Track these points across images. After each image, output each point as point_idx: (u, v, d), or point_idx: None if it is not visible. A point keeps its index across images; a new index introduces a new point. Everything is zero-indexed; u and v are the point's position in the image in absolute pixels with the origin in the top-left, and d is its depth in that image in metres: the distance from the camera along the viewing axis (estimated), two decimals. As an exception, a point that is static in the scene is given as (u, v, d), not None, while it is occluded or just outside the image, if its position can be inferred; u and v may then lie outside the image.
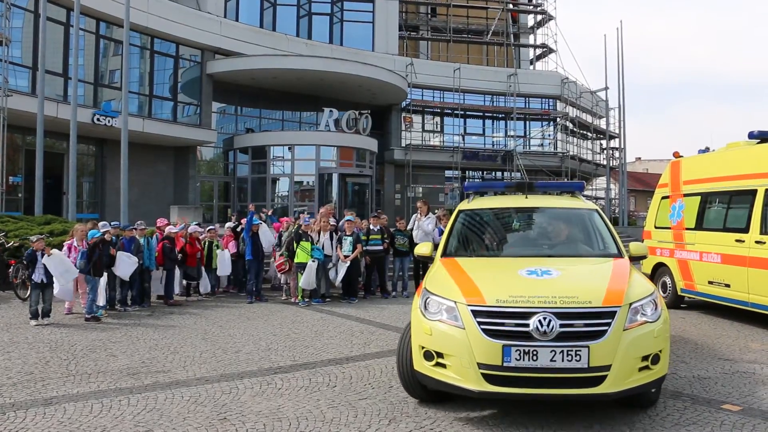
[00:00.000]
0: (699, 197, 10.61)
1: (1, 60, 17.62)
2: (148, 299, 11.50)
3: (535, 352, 4.67)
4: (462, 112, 33.18)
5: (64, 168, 20.65)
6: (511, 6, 36.89)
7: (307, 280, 11.58)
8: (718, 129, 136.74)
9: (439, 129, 34.33)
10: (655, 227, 11.85)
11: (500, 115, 34.74)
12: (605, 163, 34.74)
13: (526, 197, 7.20)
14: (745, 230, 9.31)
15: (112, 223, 11.32)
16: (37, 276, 9.52)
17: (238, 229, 13.26)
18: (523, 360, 4.67)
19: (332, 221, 12.86)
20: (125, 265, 10.61)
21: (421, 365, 5.17)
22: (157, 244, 11.65)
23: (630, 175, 38.35)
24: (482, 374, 4.74)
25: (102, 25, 22.61)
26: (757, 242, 9.05)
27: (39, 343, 8.08)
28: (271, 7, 28.58)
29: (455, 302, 5.06)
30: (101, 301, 10.40)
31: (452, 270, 5.86)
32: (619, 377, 4.71)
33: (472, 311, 4.91)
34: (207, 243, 12.81)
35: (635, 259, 6.18)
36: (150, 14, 22.64)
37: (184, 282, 12.48)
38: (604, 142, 36.96)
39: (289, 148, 25.88)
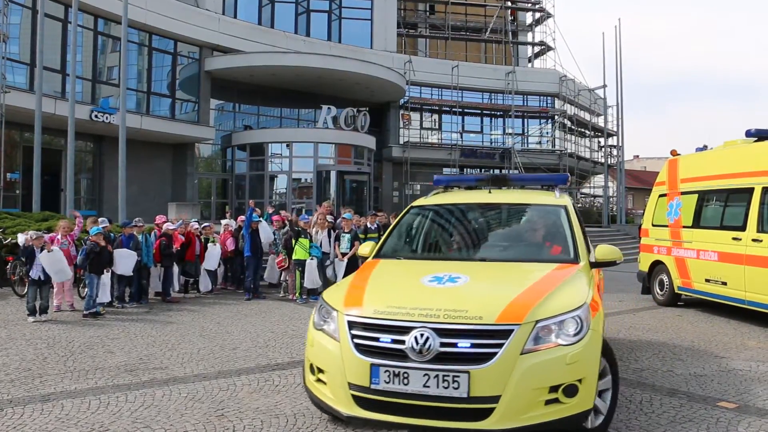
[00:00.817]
0: (696, 195, 10.64)
1: (0, 56, 17.59)
2: (146, 296, 11.50)
3: (406, 375, 3.96)
4: (460, 110, 33.20)
5: (62, 165, 20.64)
6: (509, 3, 36.88)
7: (310, 279, 11.60)
8: (716, 127, 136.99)
9: (437, 126, 34.36)
10: (653, 225, 11.88)
11: (498, 113, 34.77)
12: (603, 161, 34.76)
13: (490, 192, 6.45)
14: (742, 228, 9.33)
15: (100, 220, 11.32)
16: (35, 273, 9.52)
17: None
18: (393, 383, 3.99)
19: (329, 218, 12.85)
20: (124, 261, 10.61)
21: (308, 380, 4.64)
22: (155, 241, 11.65)
23: (628, 173, 38.41)
24: (352, 396, 4.13)
25: (100, 22, 22.60)
26: (753, 240, 9.08)
27: (37, 339, 8.08)
28: (269, 4, 28.56)
29: (336, 311, 4.44)
30: (106, 297, 10.42)
31: (361, 273, 5.34)
32: (511, 411, 3.90)
33: (348, 322, 4.26)
34: (203, 240, 12.80)
35: (601, 265, 5.32)
36: (148, 11, 22.62)
37: (182, 279, 12.48)
38: (602, 139, 36.98)
39: (288, 146, 25.90)
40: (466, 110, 33.92)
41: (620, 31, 29.86)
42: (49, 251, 9.56)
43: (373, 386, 4.02)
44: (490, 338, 3.98)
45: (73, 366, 6.72)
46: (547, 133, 36.27)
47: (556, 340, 4.06)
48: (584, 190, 40.87)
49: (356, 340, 4.17)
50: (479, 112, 34.83)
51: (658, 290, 11.51)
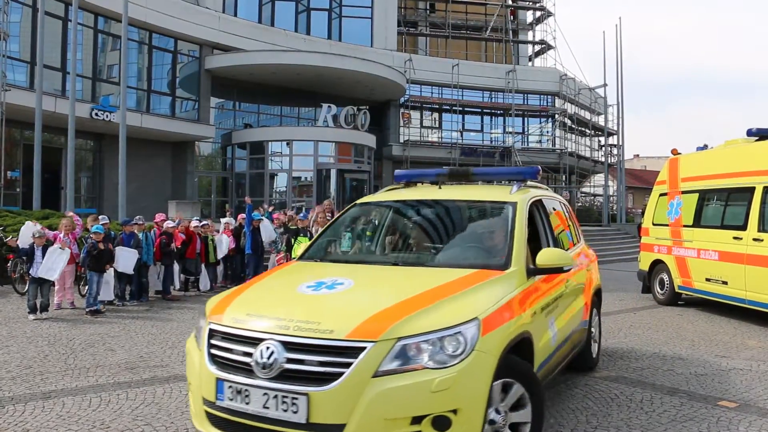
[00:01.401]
0: (697, 194, 10.64)
1: (0, 54, 17.58)
2: (146, 294, 11.51)
3: (247, 393, 3.53)
4: (460, 108, 33.19)
5: (62, 163, 20.63)
6: (510, 2, 36.85)
7: None
8: (717, 126, 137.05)
9: (437, 125, 34.35)
10: (653, 224, 11.88)
11: (499, 112, 34.77)
12: (603, 160, 34.75)
13: (440, 188, 5.82)
14: (743, 228, 9.33)
15: (100, 217, 11.34)
16: (35, 270, 9.53)
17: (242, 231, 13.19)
18: (236, 401, 3.58)
19: (329, 216, 12.84)
20: (125, 258, 10.62)
21: (189, 392, 4.26)
22: (155, 239, 11.65)
23: (628, 172, 38.45)
24: (205, 411, 3.78)
25: (100, 20, 22.58)
26: (754, 240, 9.08)
27: (37, 337, 8.09)
28: (269, 2, 28.54)
29: (204, 318, 4.09)
30: (109, 295, 10.44)
31: (259, 276, 5.08)
32: None
33: (210, 330, 3.89)
34: (203, 238, 12.81)
35: (543, 272, 4.64)
36: (148, 9, 22.60)
37: (183, 277, 12.48)
38: (602, 138, 36.97)
39: (288, 144, 25.90)
40: (466, 109, 33.91)
41: (621, 29, 29.85)
42: (63, 248, 9.63)
43: (218, 402, 3.65)
44: (340, 356, 3.41)
45: (74, 363, 6.73)
46: (548, 131, 36.26)
47: (425, 362, 3.42)
48: (584, 189, 40.86)
49: (212, 351, 3.79)
50: (479, 110, 34.82)
51: (659, 289, 11.51)
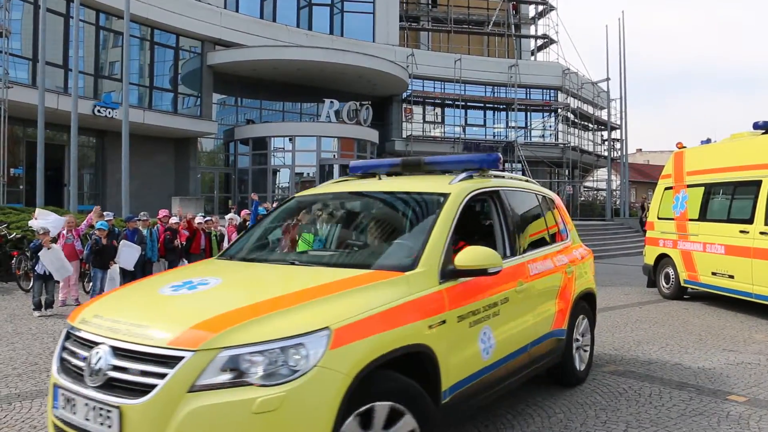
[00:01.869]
0: (703, 188, 10.59)
1: (2, 52, 17.57)
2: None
3: (74, 402, 3.16)
4: (463, 103, 33.13)
5: (65, 160, 20.62)
6: (512, -4, 36.76)
7: None
8: (720, 120, 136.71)
9: (439, 120, 34.28)
10: (658, 218, 11.83)
11: (501, 106, 34.69)
12: (606, 154, 34.67)
13: (379, 179, 5.42)
14: (750, 221, 9.29)
15: (105, 213, 11.34)
16: (40, 267, 9.51)
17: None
18: (66, 409, 3.21)
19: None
20: (126, 254, 10.60)
21: None
22: (159, 236, 11.64)
23: (631, 166, 38.36)
24: (53, 417, 3.42)
25: (102, 17, 22.54)
26: (761, 233, 9.03)
27: (43, 334, 8.07)
28: (271, -3, 28.50)
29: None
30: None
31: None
32: None
33: (66, 332, 3.57)
34: (207, 234, 12.78)
35: (463, 275, 4.01)
36: (150, 5, 22.55)
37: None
38: (605, 133, 36.88)
39: (290, 140, 25.87)
40: (468, 103, 33.84)
41: (623, 23, 29.75)
42: (48, 248, 9.53)
43: (53, 410, 3.32)
44: (159, 365, 2.97)
45: (79, 361, 6.70)
46: (551, 126, 36.19)
47: (256, 378, 2.89)
48: (587, 184, 40.80)
49: (63, 354, 3.46)
50: (482, 105, 34.75)
51: (664, 283, 11.47)
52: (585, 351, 6.05)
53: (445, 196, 4.47)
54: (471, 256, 3.99)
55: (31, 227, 12.23)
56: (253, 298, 3.44)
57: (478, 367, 4.11)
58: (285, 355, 2.94)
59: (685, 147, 11.56)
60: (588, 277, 6.24)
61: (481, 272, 4.02)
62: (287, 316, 3.17)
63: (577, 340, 5.83)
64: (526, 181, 5.97)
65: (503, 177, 5.49)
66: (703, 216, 10.50)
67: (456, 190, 4.56)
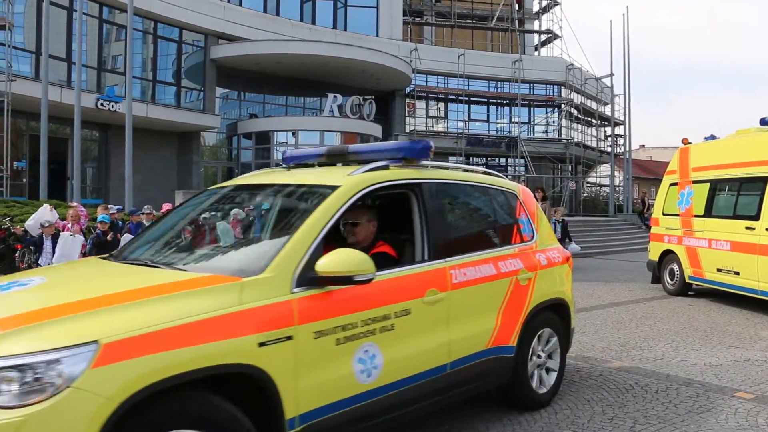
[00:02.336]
0: (708, 184, 10.53)
1: (5, 45, 17.53)
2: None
3: None
4: (466, 98, 33.04)
5: (68, 153, 20.59)
6: (516, -9, 36.62)
7: None
8: (723, 117, 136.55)
9: (443, 115, 34.20)
10: (663, 214, 11.79)
11: (504, 101, 34.60)
12: (610, 150, 34.59)
13: (289, 169, 4.99)
14: (756, 218, 9.25)
15: (110, 206, 11.35)
16: (44, 260, 9.51)
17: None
18: None
19: None
20: None
21: None
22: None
23: (634, 162, 38.20)
24: None
25: (105, 10, 22.49)
26: (767, 230, 9.00)
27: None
28: (274, -9, 28.42)
29: None
30: None
31: None
32: None
33: None
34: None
35: (324, 283, 3.45)
36: (153, -2, 22.52)
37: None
38: (608, 129, 36.79)
39: (293, 134, 25.84)
40: (472, 99, 33.74)
41: (628, 19, 29.65)
42: (74, 235, 9.58)
43: None
44: None
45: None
46: (554, 122, 36.10)
47: (6, 397, 2.49)
48: (590, 180, 40.71)
49: None
50: (485, 100, 34.65)
51: (669, 280, 11.42)
52: (551, 371, 5.24)
53: (333, 189, 3.89)
54: (335, 260, 3.43)
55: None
56: (41, 304, 3.07)
57: (353, 391, 3.54)
58: (41, 371, 2.53)
59: (690, 143, 11.50)
60: (558, 284, 5.38)
61: (346, 280, 3.44)
62: (59, 325, 2.77)
63: (539, 357, 5.07)
64: (484, 173, 5.35)
65: (436, 168, 4.73)
66: (708, 212, 10.45)
67: (348, 183, 3.96)
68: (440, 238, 4.36)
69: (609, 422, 4.76)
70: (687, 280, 10.90)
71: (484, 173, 5.34)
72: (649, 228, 25.90)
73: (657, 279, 11.88)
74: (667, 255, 11.46)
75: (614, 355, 6.88)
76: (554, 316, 5.30)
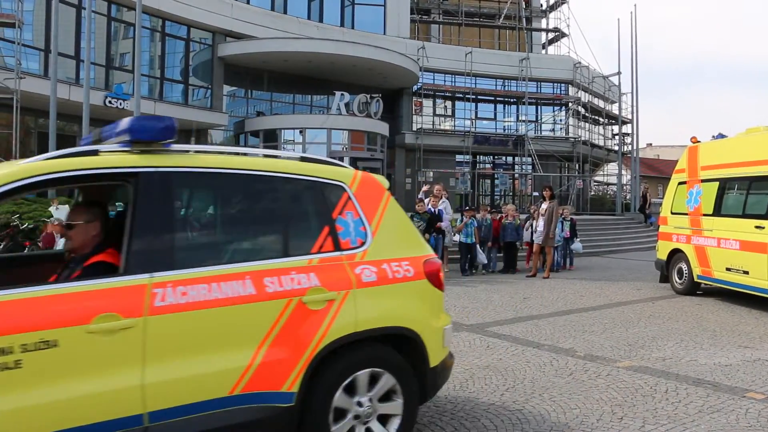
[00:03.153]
0: (717, 183, 10.48)
1: (14, 42, 17.60)
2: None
3: None
4: (473, 97, 32.97)
5: (76, 150, 20.64)
6: (523, -11, 36.53)
7: None
8: (732, 115, 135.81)
9: (450, 113, 34.15)
10: (672, 213, 11.74)
11: (512, 100, 34.52)
12: (617, 148, 34.48)
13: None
14: (765, 217, 9.21)
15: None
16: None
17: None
18: None
19: None
20: None
21: None
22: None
23: (641, 161, 38.08)
24: None
25: (113, 8, 22.56)
26: (777, 229, 8.96)
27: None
28: (282, -11, 28.42)
29: None
30: None
31: None
32: None
33: None
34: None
35: None
36: (161, -4, 22.56)
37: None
38: (616, 127, 36.66)
39: (300, 132, 25.84)
40: (479, 97, 33.67)
41: (636, 17, 29.52)
42: None
43: None
44: None
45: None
46: (561, 120, 36.00)
47: None
48: (598, 178, 40.59)
49: None
50: (493, 98, 34.57)
51: (677, 279, 11.38)
52: (393, 417, 3.93)
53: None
54: None
55: (42, 219, 12.41)
56: None
57: None
58: None
59: (699, 141, 11.45)
60: (399, 308, 4.03)
61: None
62: None
63: (359, 406, 3.76)
64: (302, 159, 4.10)
65: (190, 153, 3.69)
66: (717, 211, 10.40)
67: (11, 170, 3.16)
68: (148, 245, 3.33)
69: (618, 422, 4.74)
70: (696, 280, 10.86)
71: (302, 159, 4.08)
72: (651, 224, 26.08)
73: (665, 278, 11.84)
74: (676, 254, 11.42)
75: (623, 354, 6.86)
76: (392, 352, 3.97)
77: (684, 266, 11.15)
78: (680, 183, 11.59)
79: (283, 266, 3.64)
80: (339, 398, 3.68)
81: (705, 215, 10.66)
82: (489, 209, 15.59)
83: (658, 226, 12.52)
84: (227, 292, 3.38)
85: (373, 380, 3.81)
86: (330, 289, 3.71)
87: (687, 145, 11.71)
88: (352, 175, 4.19)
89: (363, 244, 3.98)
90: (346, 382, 3.71)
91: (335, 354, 3.67)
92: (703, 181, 10.88)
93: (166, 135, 3.48)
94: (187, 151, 3.69)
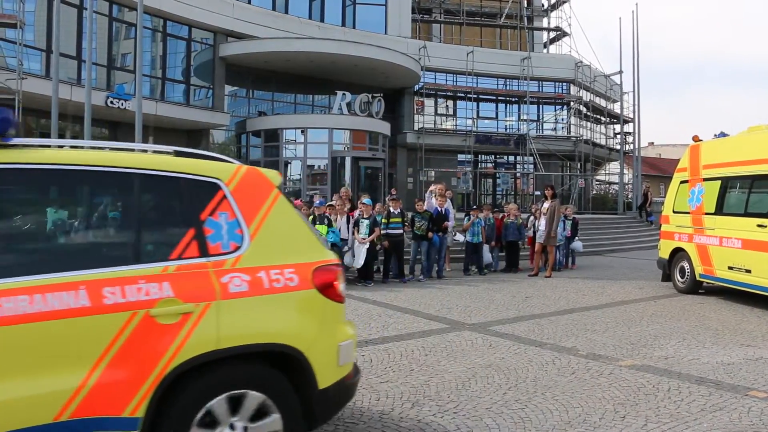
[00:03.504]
0: (719, 182, 10.47)
1: (16, 43, 17.61)
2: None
3: None
4: (475, 96, 32.94)
5: (78, 151, 20.66)
6: (524, -12, 36.50)
7: None
8: (733, 114, 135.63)
9: (451, 113, 34.13)
10: (674, 212, 11.73)
11: (513, 99, 34.48)
12: (619, 147, 34.44)
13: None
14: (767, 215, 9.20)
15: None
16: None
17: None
18: None
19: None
20: None
21: None
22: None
23: (642, 160, 38.05)
24: None
25: (115, 8, 22.57)
26: (779, 227, 8.95)
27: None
28: (283, -11, 28.40)
29: None
30: None
31: None
32: None
33: None
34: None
35: None
36: (163, -4, 22.56)
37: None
38: (617, 126, 36.61)
39: (302, 132, 25.83)
40: (480, 96, 33.64)
41: (638, 16, 29.48)
42: None
43: None
44: None
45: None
46: (563, 119, 35.96)
47: None
48: (599, 177, 40.55)
49: None
50: (494, 98, 34.52)
51: (679, 278, 11.38)
52: None
53: None
54: None
55: None
56: None
57: None
58: None
59: (701, 140, 11.44)
60: (280, 322, 3.56)
61: None
62: None
63: (232, 428, 3.32)
64: (176, 153, 3.71)
65: (14, 147, 3.19)
66: (719, 210, 10.39)
67: None
68: None
69: (621, 420, 4.74)
70: (698, 278, 10.85)
71: (176, 154, 3.69)
72: (651, 223, 26.11)
73: (667, 277, 11.84)
74: (678, 253, 11.42)
75: (625, 353, 6.86)
76: (270, 372, 3.52)
77: (686, 265, 11.15)
78: (682, 182, 11.59)
79: (130, 274, 3.18)
80: (199, 423, 3.22)
81: (707, 214, 10.66)
82: (491, 209, 15.57)
83: (660, 224, 12.52)
84: (54, 305, 2.94)
85: (239, 401, 3.34)
86: (186, 301, 3.24)
87: (688, 144, 11.70)
88: (232, 171, 3.70)
89: (237, 249, 3.52)
90: (209, 404, 3.25)
91: (193, 373, 3.21)
92: (705, 179, 10.87)
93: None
94: (28, 146, 3.27)
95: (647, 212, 27.53)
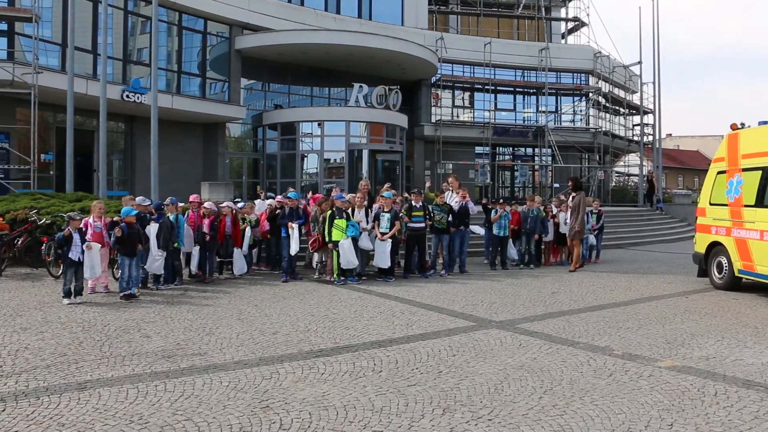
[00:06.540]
0: (760, 172, 9.96)
1: (32, 37, 17.49)
2: (180, 277, 11.28)
3: None
4: (492, 87, 32.47)
5: (94, 145, 20.54)
6: (543, -22, 35.88)
7: (345, 259, 11.28)
8: (753, 105, 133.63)
9: (469, 104, 33.70)
10: (710, 204, 11.28)
11: (531, 90, 33.99)
12: (638, 139, 33.83)
13: None
14: None
15: (137, 198, 11.25)
16: (74, 254, 9.32)
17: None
18: None
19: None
20: (152, 259, 10.48)
21: None
22: (186, 222, 11.42)
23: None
24: None
25: (130, 2, 22.40)
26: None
27: (72, 322, 7.87)
28: (299, -19, 28.07)
29: None
30: (160, 270, 10.61)
31: None
32: None
33: None
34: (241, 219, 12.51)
35: None
36: (178, -11, 22.33)
37: (216, 259, 12.19)
38: (636, 117, 35.98)
39: (319, 125, 25.55)
40: (498, 88, 33.17)
41: (657, 5, 28.84)
42: (89, 249, 9.46)
43: None
44: None
45: (109, 351, 6.47)
46: (581, 110, 35.40)
47: None
48: (619, 169, 39.95)
49: None
50: (512, 89, 34.04)
51: (716, 273, 10.91)
52: None
53: None
54: None
55: (59, 214, 12.28)
56: None
57: None
58: None
59: (739, 128, 10.94)
60: None
61: None
62: None
63: None
64: None
65: None
66: (760, 202, 9.89)
67: None
68: None
69: (668, 428, 4.41)
70: (736, 274, 10.39)
71: None
72: (661, 210, 25.58)
73: (704, 272, 11.34)
74: (715, 247, 10.96)
75: (663, 353, 6.51)
76: None
77: (724, 260, 10.70)
78: (719, 172, 11.12)
79: None
80: None
81: (746, 206, 10.18)
82: (513, 203, 15.18)
83: (695, 217, 12.04)
84: None
85: None
86: None
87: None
88: None
89: None
90: None
91: None
92: (744, 170, 10.39)
93: None
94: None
95: (657, 199, 27.14)
